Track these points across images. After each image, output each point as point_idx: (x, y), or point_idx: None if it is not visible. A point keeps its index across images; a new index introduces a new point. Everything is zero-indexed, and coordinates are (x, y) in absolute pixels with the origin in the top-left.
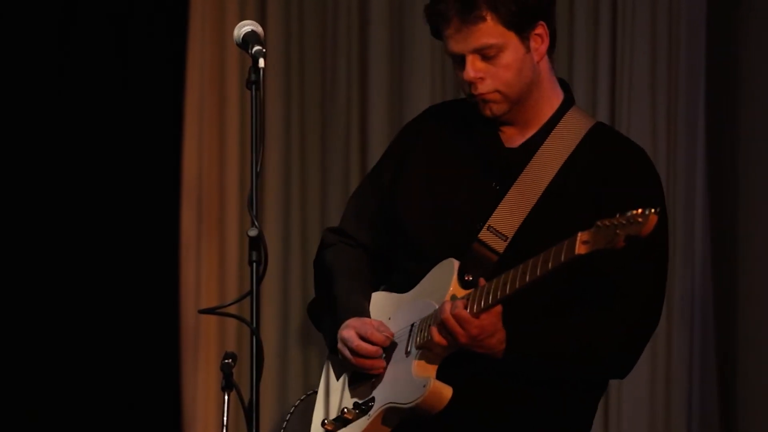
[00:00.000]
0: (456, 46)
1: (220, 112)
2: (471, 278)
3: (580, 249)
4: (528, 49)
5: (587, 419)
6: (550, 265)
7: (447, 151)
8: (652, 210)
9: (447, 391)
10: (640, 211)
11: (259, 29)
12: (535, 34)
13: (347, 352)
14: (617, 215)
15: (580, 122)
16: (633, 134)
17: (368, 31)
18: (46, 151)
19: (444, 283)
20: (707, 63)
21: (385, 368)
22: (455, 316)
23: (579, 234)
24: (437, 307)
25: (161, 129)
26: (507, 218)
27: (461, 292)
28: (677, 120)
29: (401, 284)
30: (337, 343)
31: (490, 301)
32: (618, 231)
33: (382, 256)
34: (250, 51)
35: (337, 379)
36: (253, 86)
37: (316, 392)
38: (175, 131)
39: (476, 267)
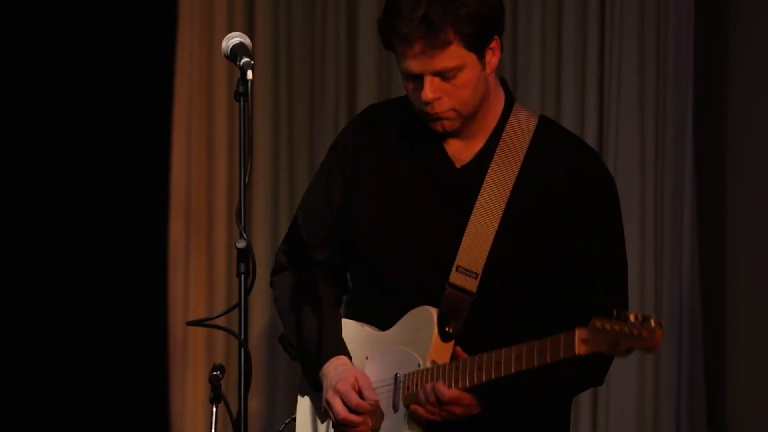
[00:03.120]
0: (416, 66)
1: (208, 123)
2: (451, 330)
3: (580, 349)
4: (484, 67)
5: (566, 417)
6: (548, 358)
7: (396, 171)
8: (654, 321)
9: None
10: (641, 318)
11: (247, 41)
12: (489, 49)
13: (333, 418)
14: (614, 315)
15: (525, 123)
16: (621, 139)
17: (357, 42)
18: (34, 163)
19: (424, 335)
20: (695, 68)
21: (373, 422)
22: (451, 400)
23: (577, 331)
24: (420, 362)
25: (149, 140)
26: (472, 253)
27: (442, 346)
28: (665, 125)
29: (368, 313)
30: (316, 380)
31: (483, 379)
32: (621, 340)
33: (341, 270)
34: (238, 63)
35: (322, 421)
36: (242, 98)
37: (294, 419)
38: (164, 143)
39: (454, 313)
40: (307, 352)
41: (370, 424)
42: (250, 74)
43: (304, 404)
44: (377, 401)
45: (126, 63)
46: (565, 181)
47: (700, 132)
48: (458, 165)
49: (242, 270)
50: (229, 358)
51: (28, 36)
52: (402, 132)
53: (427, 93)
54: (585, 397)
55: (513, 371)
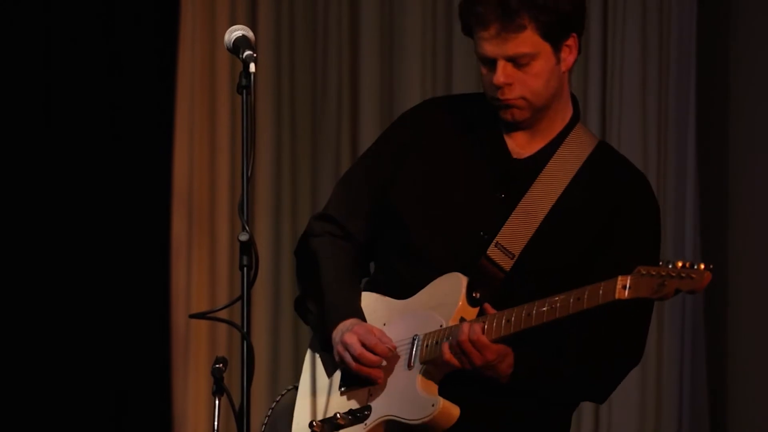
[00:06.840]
0: (491, 50)
1: (210, 116)
2: (478, 296)
3: (620, 294)
4: (558, 61)
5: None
6: (585, 305)
7: (451, 153)
8: (703, 265)
9: (455, 411)
10: (688, 264)
11: (250, 34)
12: (566, 45)
13: (348, 357)
14: (661, 263)
15: (585, 140)
16: (623, 136)
17: (359, 35)
18: (35, 159)
19: (451, 299)
20: (698, 64)
21: (384, 378)
22: (474, 342)
23: (619, 278)
24: (444, 322)
25: (152, 134)
26: (514, 236)
27: (468, 310)
28: (668, 122)
29: (390, 285)
30: (328, 340)
31: (512, 330)
32: (666, 282)
33: (369, 247)
34: (240, 56)
35: (328, 377)
36: (244, 91)
37: (296, 387)
38: (166, 136)
39: (483, 284)
40: (321, 311)
41: (382, 375)
42: (252, 67)
43: (310, 364)
44: (395, 348)
45: (128, 56)
46: (616, 200)
47: (702, 128)
48: (515, 157)
49: (245, 263)
50: (232, 351)
51: (29, 32)
52: (465, 119)
53: (499, 77)
54: None
55: (546, 320)
